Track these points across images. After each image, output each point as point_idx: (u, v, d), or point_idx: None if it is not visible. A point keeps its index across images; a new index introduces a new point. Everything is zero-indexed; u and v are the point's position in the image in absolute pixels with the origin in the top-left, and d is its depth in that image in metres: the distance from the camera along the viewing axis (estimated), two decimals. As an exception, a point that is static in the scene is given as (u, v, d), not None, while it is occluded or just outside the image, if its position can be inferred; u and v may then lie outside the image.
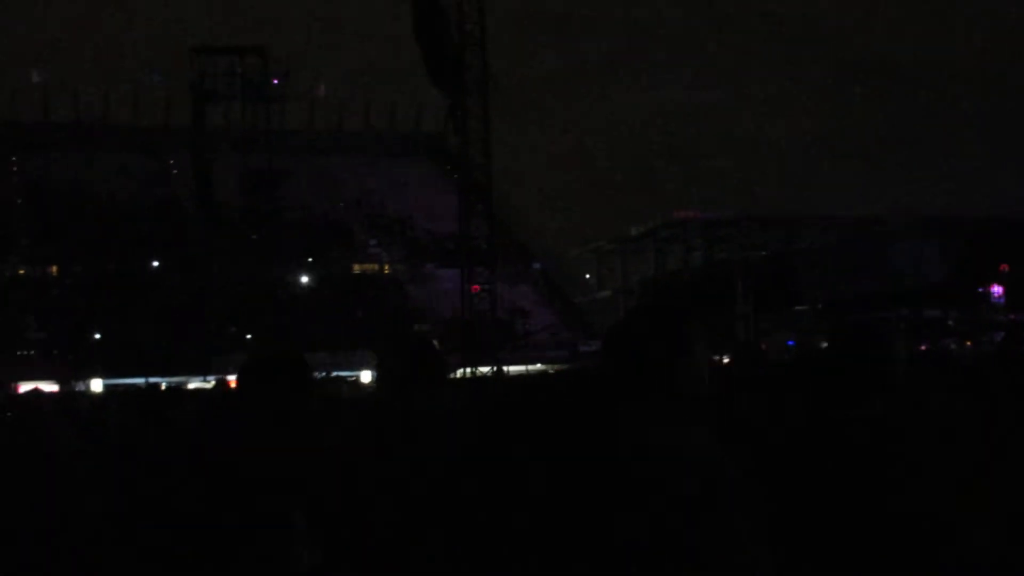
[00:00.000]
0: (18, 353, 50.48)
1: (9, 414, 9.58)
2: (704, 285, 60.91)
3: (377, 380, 4.04)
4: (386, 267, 65.66)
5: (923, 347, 29.93)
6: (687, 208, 73.18)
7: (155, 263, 61.00)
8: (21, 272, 59.16)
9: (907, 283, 51.67)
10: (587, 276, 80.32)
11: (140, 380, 36.30)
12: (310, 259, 63.24)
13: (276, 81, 67.73)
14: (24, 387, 37.44)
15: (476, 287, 47.99)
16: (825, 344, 3.59)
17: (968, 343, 43.14)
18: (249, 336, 52.28)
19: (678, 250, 75.37)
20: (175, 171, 70.54)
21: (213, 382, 25.40)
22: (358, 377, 38.20)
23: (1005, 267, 52.54)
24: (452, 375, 31.91)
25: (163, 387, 25.16)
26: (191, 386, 33.29)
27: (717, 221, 69.91)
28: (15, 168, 68.22)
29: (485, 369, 39.49)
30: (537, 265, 69.59)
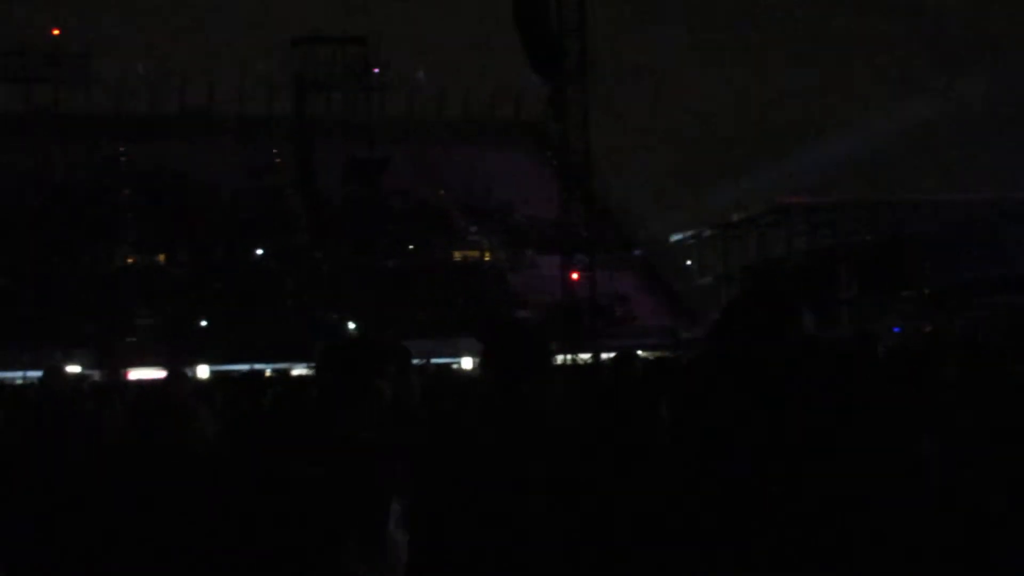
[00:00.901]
0: (127, 340, 51.49)
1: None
2: (808, 271, 60.04)
3: (482, 367, 3.92)
4: (486, 254, 65.73)
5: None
6: (790, 193, 72.21)
7: (259, 251, 61.81)
8: (130, 261, 60.27)
9: (1021, 268, 50.30)
10: (687, 263, 79.67)
11: (245, 366, 36.80)
12: (411, 246, 63.59)
13: (377, 70, 68.25)
14: (134, 373, 38.26)
15: (576, 273, 47.88)
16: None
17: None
18: (351, 324, 52.72)
19: (781, 236, 74.36)
20: (278, 160, 71.41)
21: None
22: (459, 364, 38.31)
23: None
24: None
25: (267, 373, 25.43)
26: (295, 372, 33.63)
27: (821, 206, 68.88)
28: (124, 159, 69.53)
29: (585, 356, 39.34)
30: (638, 251, 69.18)
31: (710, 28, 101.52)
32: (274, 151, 71.70)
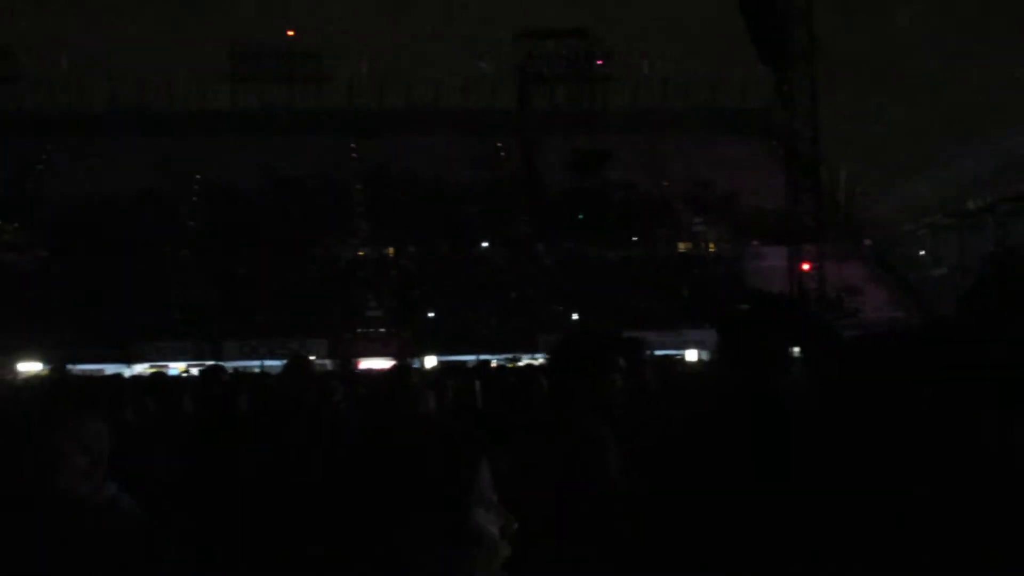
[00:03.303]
0: (358, 331, 52.86)
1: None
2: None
3: (718, 359, 3.74)
4: (711, 245, 64.96)
5: None
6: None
7: (484, 243, 62.60)
8: (361, 253, 61.82)
9: None
10: (921, 252, 76.95)
11: (471, 357, 37.32)
12: (634, 238, 63.37)
13: (600, 62, 68.22)
14: (364, 363, 39.21)
15: (806, 265, 46.91)
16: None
17: None
18: (574, 315, 52.85)
19: (1022, 225, 71.02)
20: (502, 153, 72.24)
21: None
22: (683, 356, 37.90)
23: None
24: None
25: (493, 364, 25.66)
26: (521, 363, 33.87)
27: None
28: (354, 154, 71.49)
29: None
30: (868, 241, 67.26)
31: (942, 11, 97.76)
32: (498, 144, 72.57)
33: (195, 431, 6.97)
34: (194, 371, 26.46)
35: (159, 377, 17.08)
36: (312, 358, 8.76)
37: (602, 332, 4.00)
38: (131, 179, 63.11)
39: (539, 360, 39.37)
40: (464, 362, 33.37)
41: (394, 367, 9.74)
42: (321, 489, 1.79)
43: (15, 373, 27.73)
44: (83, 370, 31.54)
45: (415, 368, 11.56)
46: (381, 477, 1.70)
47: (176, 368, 37.63)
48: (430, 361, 41.33)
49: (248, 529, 5.16)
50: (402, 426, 1.88)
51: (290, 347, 43.41)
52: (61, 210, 61.91)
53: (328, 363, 40.43)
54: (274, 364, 35.77)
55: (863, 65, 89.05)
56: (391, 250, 62.24)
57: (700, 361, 33.71)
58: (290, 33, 74.76)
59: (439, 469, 1.72)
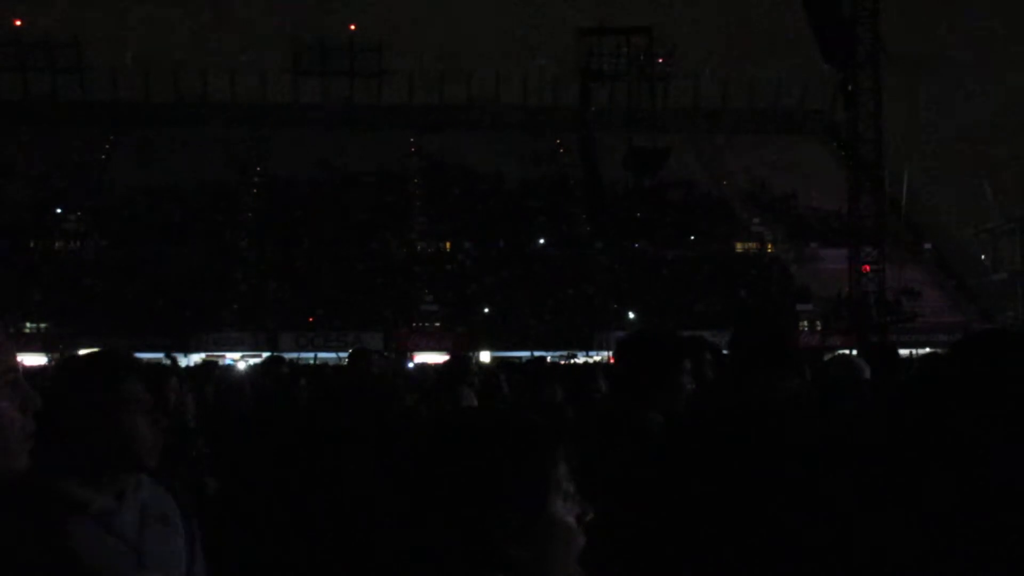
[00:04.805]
0: (413, 324, 53.00)
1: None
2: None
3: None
4: (769, 245, 64.52)
5: None
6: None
7: (541, 240, 62.56)
8: (418, 248, 62.00)
9: None
10: (982, 257, 75.97)
11: (524, 354, 37.28)
12: (692, 237, 63.08)
13: (661, 60, 67.87)
14: (419, 357, 39.32)
15: (867, 267, 46.50)
16: None
17: None
18: (631, 314, 52.69)
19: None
20: (561, 150, 72.16)
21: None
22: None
23: None
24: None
25: (547, 360, 25.61)
26: (576, 361, 33.81)
27: None
28: (413, 149, 71.70)
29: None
30: (928, 245, 66.56)
31: (1009, 16, 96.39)
32: (557, 141, 72.49)
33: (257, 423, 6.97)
34: (250, 362, 26.64)
35: (210, 367, 17.15)
36: (378, 353, 8.75)
37: (669, 333, 3.91)
38: (192, 170, 63.69)
39: (595, 358, 39.32)
40: (519, 358, 33.34)
41: (449, 361, 9.73)
42: (400, 485, 1.78)
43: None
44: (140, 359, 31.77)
45: (480, 362, 11.57)
46: (461, 471, 1.68)
47: (232, 359, 37.94)
48: (485, 356, 41.36)
49: (319, 523, 5.16)
50: (479, 418, 1.86)
51: (345, 340, 43.64)
52: (123, 200, 62.60)
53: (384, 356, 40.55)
54: (328, 356, 36.00)
55: (927, 66, 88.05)
56: (448, 245, 62.35)
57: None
58: (352, 27, 74.97)
59: (518, 460, 1.70)
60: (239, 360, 35.06)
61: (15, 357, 1.88)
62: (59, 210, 61.50)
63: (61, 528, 2.50)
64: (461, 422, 1.85)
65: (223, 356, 40.41)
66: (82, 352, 3.03)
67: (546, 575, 1.71)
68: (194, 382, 9.28)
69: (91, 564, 2.52)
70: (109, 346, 3.13)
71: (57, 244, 59.26)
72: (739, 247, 64.36)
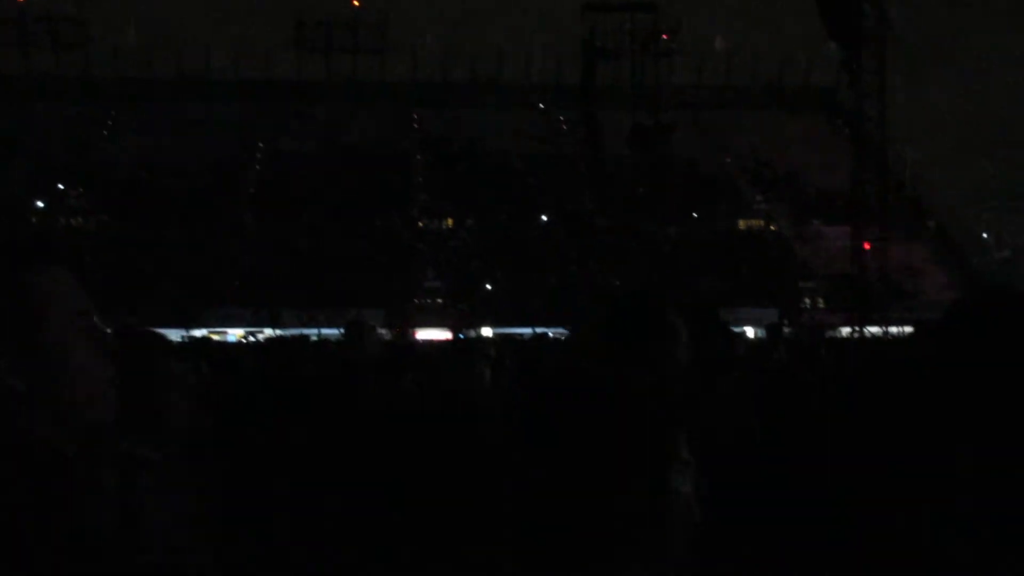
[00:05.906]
0: (416, 301, 52.98)
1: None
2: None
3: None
4: (772, 223, 64.43)
5: None
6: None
7: (544, 217, 62.45)
8: (420, 224, 61.93)
9: None
10: (984, 235, 75.91)
11: (527, 330, 37.22)
12: (694, 214, 62.97)
13: (665, 36, 67.60)
14: (421, 334, 39.34)
15: (868, 244, 46.40)
16: None
17: None
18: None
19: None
20: (564, 127, 71.99)
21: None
22: (743, 332, 37.64)
23: None
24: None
25: (549, 336, 25.59)
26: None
27: None
28: (416, 125, 71.56)
29: (875, 329, 37.94)
30: (931, 223, 66.43)
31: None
32: (561, 118, 72.32)
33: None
34: (252, 338, 26.63)
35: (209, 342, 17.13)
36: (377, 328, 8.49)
37: (662, 294, 3.22)
38: (195, 146, 63.60)
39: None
40: (521, 334, 33.32)
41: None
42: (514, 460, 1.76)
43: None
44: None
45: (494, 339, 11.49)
46: (580, 446, 1.66)
47: (234, 335, 37.94)
48: (487, 333, 41.34)
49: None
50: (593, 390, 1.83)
51: (347, 316, 43.57)
52: (125, 176, 62.52)
53: (385, 333, 40.58)
54: (331, 332, 35.96)
55: (933, 45, 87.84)
56: (450, 221, 62.27)
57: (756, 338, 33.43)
58: (355, 3, 74.71)
59: (638, 431, 1.67)
60: (242, 336, 35.09)
61: (86, 298, 1.78)
62: (61, 186, 61.43)
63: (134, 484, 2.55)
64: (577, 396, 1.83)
65: (225, 332, 40.39)
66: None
67: None
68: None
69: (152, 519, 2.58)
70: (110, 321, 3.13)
71: (60, 220, 59.24)
72: (742, 224, 64.28)
